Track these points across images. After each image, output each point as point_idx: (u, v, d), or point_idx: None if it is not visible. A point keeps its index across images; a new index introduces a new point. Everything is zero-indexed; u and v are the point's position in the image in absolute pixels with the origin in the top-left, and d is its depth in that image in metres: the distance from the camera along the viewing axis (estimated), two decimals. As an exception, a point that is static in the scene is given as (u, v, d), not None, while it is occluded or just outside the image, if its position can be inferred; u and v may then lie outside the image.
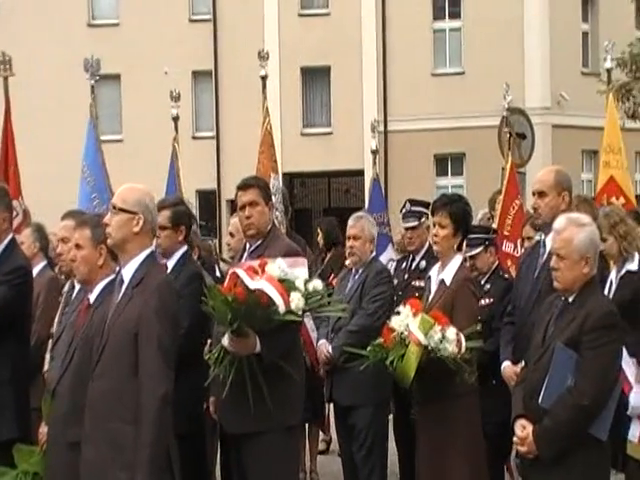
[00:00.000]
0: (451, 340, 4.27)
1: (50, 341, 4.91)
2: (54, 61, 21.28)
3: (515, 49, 20.57)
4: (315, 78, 22.22)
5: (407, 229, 6.33)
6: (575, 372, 3.62)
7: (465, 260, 5.23)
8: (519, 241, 7.13)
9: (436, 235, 4.80)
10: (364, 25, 21.46)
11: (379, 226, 6.94)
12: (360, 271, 5.68)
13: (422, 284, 5.68)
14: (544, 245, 4.69)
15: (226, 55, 21.85)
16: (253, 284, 4.02)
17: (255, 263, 4.19)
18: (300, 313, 4.13)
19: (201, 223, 9.43)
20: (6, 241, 4.88)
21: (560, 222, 3.85)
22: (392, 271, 6.35)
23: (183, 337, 3.84)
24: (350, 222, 5.76)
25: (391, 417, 6.22)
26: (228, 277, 4.23)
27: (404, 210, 6.42)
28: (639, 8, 22.10)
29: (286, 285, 4.09)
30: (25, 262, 5.02)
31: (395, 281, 6.02)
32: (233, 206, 5.69)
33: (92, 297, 4.00)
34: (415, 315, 4.35)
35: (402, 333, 4.31)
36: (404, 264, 6.39)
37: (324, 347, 5.59)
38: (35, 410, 4.70)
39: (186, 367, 4.01)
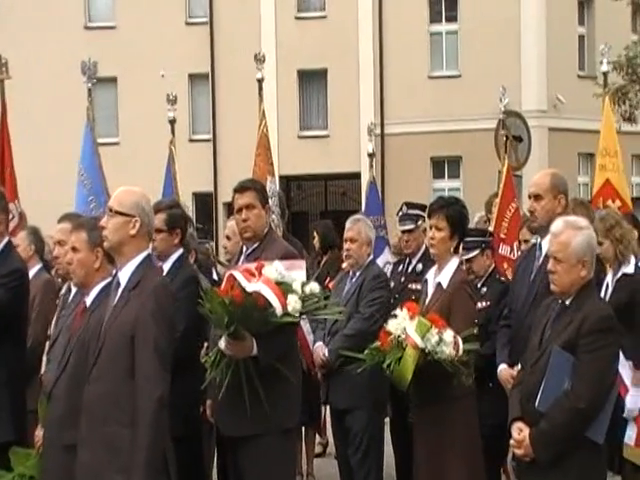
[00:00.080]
0: (448, 343, 4.27)
1: (47, 344, 4.90)
2: (51, 63, 21.28)
3: (512, 52, 20.60)
4: (312, 81, 22.23)
5: (404, 232, 6.33)
6: (572, 375, 3.63)
7: (462, 263, 5.23)
8: (515, 244, 7.13)
9: (433, 238, 4.80)
10: (361, 28, 21.49)
11: (376, 229, 6.94)
12: (357, 274, 5.68)
13: (419, 287, 5.68)
14: (540, 248, 4.69)
15: (223, 58, 21.86)
16: (250, 286, 4.02)
17: (252, 266, 4.19)
18: (297, 315, 4.14)
19: (198, 226, 9.42)
20: (2, 244, 4.88)
21: (557, 225, 3.85)
22: (389, 274, 6.35)
23: (179, 340, 3.84)
24: (347, 225, 5.76)
25: (388, 420, 6.23)
26: (225, 280, 4.23)
27: (400, 213, 6.43)
28: (635, 11, 22.15)
29: (283, 288, 4.09)
30: (21, 265, 5.02)
31: (392, 284, 6.03)
32: (230, 209, 5.70)
33: (88, 300, 4.00)
34: (412, 318, 4.35)
35: (399, 336, 4.31)
36: (401, 267, 6.40)
37: (320, 350, 5.59)
38: (31, 412, 4.70)
39: (182, 370, 4.01)
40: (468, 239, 5.45)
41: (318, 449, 7.70)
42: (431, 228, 4.84)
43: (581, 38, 22.02)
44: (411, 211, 6.37)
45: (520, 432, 3.73)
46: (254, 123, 7.81)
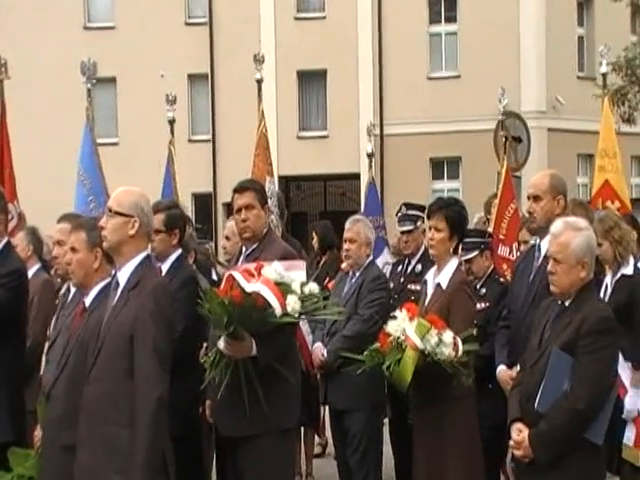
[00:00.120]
0: (448, 344, 4.27)
1: (46, 344, 4.90)
2: (50, 64, 21.27)
3: (511, 53, 20.61)
4: (311, 81, 22.23)
5: (403, 233, 6.34)
6: (571, 376, 3.63)
7: (461, 264, 5.23)
8: (515, 245, 7.14)
9: (432, 239, 4.80)
10: (360, 28, 21.49)
11: (375, 229, 6.94)
12: (357, 275, 5.68)
13: (418, 287, 5.68)
14: (539, 249, 4.69)
15: (222, 58, 21.86)
16: (249, 287, 4.02)
17: (251, 266, 4.19)
18: (296, 316, 4.14)
19: (197, 226, 9.42)
20: (1, 244, 4.88)
21: (557, 226, 3.85)
22: (388, 274, 6.36)
23: (177, 341, 3.84)
24: (347, 225, 5.76)
25: (387, 421, 6.23)
26: (224, 280, 4.24)
27: (400, 214, 6.43)
28: (635, 13, 22.16)
29: (282, 288, 4.09)
30: (21, 265, 5.02)
31: (391, 285, 6.03)
32: (229, 209, 5.70)
33: (88, 301, 4.00)
34: (411, 319, 4.34)
35: (399, 337, 4.31)
36: (400, 268, 6.40)
37: (319, 350, 5.59)
38: (30, 413, 4.70)
39: (181, 370, 4.01)
40: (467, 240, 5.45)
41: (317, 449, 7.71)
42: (430, 229, 4.84)
43: (580, 39, 22.04)
44: (410, 212, 6.38)
45: (519, 433, 3.74)
46: (253, 123, 7.81)
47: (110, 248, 3.70)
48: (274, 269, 4.14)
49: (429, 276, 4.90)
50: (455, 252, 4.94)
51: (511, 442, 3.80)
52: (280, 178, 19.61)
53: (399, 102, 21.03)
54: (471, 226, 6.63)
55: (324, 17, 21.88)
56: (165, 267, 4.77)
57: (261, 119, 7.67)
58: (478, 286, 5.74)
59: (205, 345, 4.86)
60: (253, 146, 7.68)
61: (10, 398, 4.76)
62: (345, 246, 5.71)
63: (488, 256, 5.96)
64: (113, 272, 3.82)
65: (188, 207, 15.95)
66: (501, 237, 7.39)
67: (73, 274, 4.09)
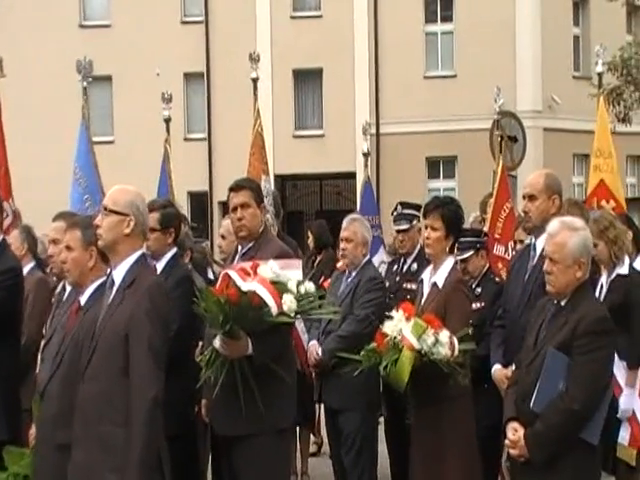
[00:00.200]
0: (444, 343, 4.27)
1: (42, 342, 4.90)
2: (46, 62, 21.24)
3: (507, 52, 20.63)
4: (307, 80, 22.23)
5: (398, 232, 6.34)
6: (567, 377, 3.63)
7: (457, 263, 5.23)
8: (510, 244, 7.14)
9: (428, 238, 4.79)
10: (356, 27, 21.49)
11: (371, 229, 6.94)
12: (353, 274, 5.68)
13: (413, 286, 5.69)
14: (534, 248, 4.70)
15: (218, 57, 21.85)
16: (245, 285, 4.02)
17: (247, 265, 4.19)
18: (292, 315, 4.13)
19: (193, 225, 9.41)
20: (-4, 243, 4.88)
21: (554, 226, 3.85)
22: (383, 273, 6.36)
23: (173, 339, 3.84)
24: (344, 224, 5.76)
25: (383, 420, 6.23)
26: (220, 279, 4.23)
27: (395, 213, 6.43)
28: (630, 12, 22.20)
29: (278, 287, 4.09)
30: (16, 263, 5.02)
31: (387, 283, 6.03)
32: (225, 208, 5.70)
33: (83, 299, 3.99)
34: (408, 319, 4.34)
35: (395, 338, 4.30)
36: (395, 267, 6.40)
37: (314, 349, 5.59)
38: (26, 411, 4.70)
39: (177, 369, 4.01)
40: (462, 240, 5.45)
41: (313, 448, 7.71)
42: (426, 228, 4.84)
43: (576, 39, 22.07)
44: (406, 211, 6.38)
45: (515, 432, 3.74)
46: (249, 122, 7.81)
47: (105, 247, 3.70)
48: (270, 268, 4.14)
49: (425, 275, 4.90)
50: (451, 251, 4.94)
51: (506, 441, 3.80)
52: (276, 177, 19.59)
53: (395, 101, 21.04)
54: (467, 225, 6.64)
55: (320, 16, 21.87)
56: (160, 266, 4.77)
57: (257, 118, 7.66)
58: (473, 285, 5.74)
59: (201, 344, 4.85)
60: (249, 145, 7.67)
61: (5, 397, 4.75)
62: (342, 245, 5.71)
63: (484, 255, 5.96)
64: (108, 271, 3.81)
65: (183, 206, 15.97)
66: (497, 236, 7.39)
67: (68, 272, 4.08)
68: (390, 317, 4.42)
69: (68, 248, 4.03)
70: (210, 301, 4.05)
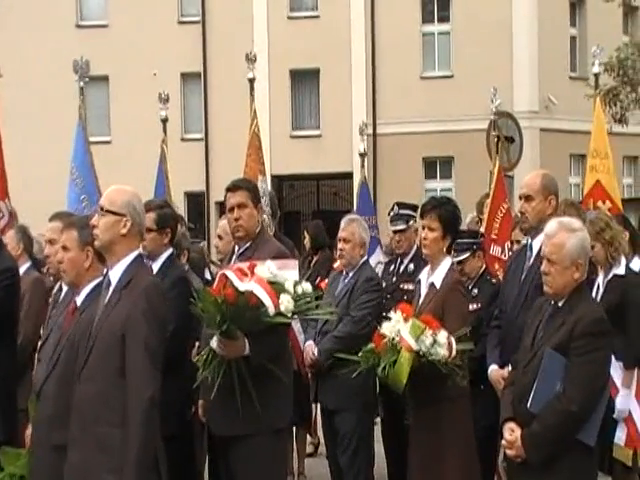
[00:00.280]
0: (442, 344, 4.27)
1: (39, 342, 4.89)
2: (43, 62, 21.23)
3: (504, 53, 20.64)
4: (304, 81, 22.22)
5: (395, 232, 6.35)
6: (564, 378, 3.63)
7: (454, 263, 5.23)
8: (507, 244, 7.15)
9: (425, 238, 4.79)
10: (353, 28, 21.50)
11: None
12: (350, 275, 5.68)
13: (410, 287, 5.69)
14: (531, 249, 4.70)
15: (215, 57, 21.84)
16: (243, 285, 4.02)
17: (244, 265, 4.19)
18: (289, 315, 4.14)
19: (190, 225, 9.41)
20: (-7, 243, 4.88)
21: (551, 227, 3.85)
22: (380, 274, 6.36)
23: (169, 340, 3.83)
24: (342, 225, 5.76)
25: (380, 421, 6.24)
26: (217, 279, 4.23)
27: (392, 213, 6.44)
28: (627, 13, 22.23)
29: (276, 287, 4.09)
30: (13, 263, 5.02)
31: (383, 284, 6.03)
32: (222, 208, 5.69)
33: (79, 300, 3.98)
34: (406, 320, 4.34)
35: (393, 339, 4.30)
36: (392, 267, 6.41)
37: (310, 349, 5.59)
38: (22, 411, 4.69)
39: (173, 369, 4.00)
40: (459, 241, 5.45)
41: (309, 449, 7.71)
42: (424, 228, 4.84)
43: (573, 39, 22.09)
44: (403, 211, 6.39)
45: (512, 433, 3.74)
46: (247, 122, 7.79)
47: (102, 247, 3.70)
48: (267, 268, 4.14)
49: (423, 276, 4.90)
50: (448, 251, 4.94)
51: (503, 442, 3.80)
52: (273, 177, 19.61)
53: (392, 101, 21.05)
54: (464, 226, 6.64)
55: (317, 16, 21.88)
56: (156, 266, 4.76)
57: (253, 118, 7.65)
58: (470, 287, 5.74)
59: (197, 344, 4.85)
60: (246, 145, 7.67)
61: (1, 397, 4.74)
62: (339, 245, 5.71)
63: (480, 256, 5.97)
64: (105, 271, 3.81)
65: (180, 206, 15.95)
66: (493, 237, 7.40)
67: (64, 273, 4.08)
68: (388, 318, 4.42)
69: (64, 248, 4.02)
70: (207, 301, 4.05)
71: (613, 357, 4.44)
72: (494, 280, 5.94)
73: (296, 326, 5.67)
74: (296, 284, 4.18)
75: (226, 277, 4.09)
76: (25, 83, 20.75)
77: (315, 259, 8.05)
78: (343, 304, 5.52)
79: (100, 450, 3.44)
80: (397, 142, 20.83)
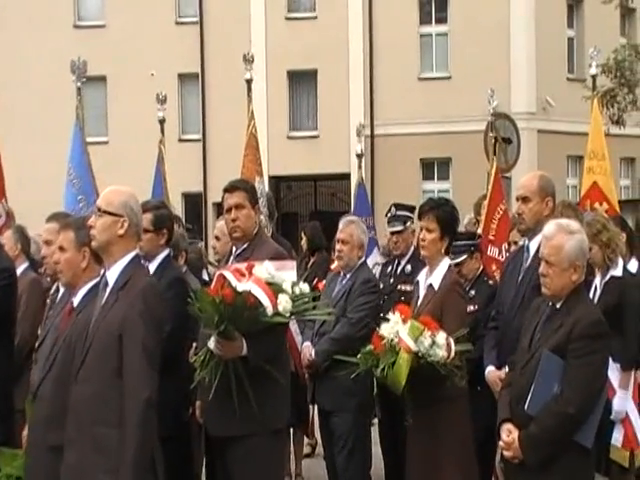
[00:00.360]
0: (441, 345, 4.27)
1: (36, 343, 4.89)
2: (40, 62, 21.19)
3: (501, 55, 20.65)
4: (302, 81, 22.22)
5: (392, 233, 6.35)
6: (561, 380, 3.63)
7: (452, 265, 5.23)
8: (504, 246, 7.15)
9: (423, 239, 4.79)
10: (351, 29, 21.49)
11: (365, 230, 6.95)
12: (348, 276, 5.68)
13: (408, 288, 5.69)
14: (528, 250, 4.70)
15: (213, 58, 21.83)
16: (241, 286, 4.02)
17: (242, 266, 4.19)
18: (287, 315, 4.13)
19: (188, 226, 9.40)
20: (-10, 243, 4.87)
21: (550, 229, 3.85)
22: (377, 275, 6.36)
23: (166, 340, 3.83)
24: (340, 226, 5.75)
25: (377, 422, 6.23)
26: (215, 279, 4.23)
27: (389, 214, 6.44)
28: (624, 15, 22.26)
29: (274, 288, 4.09)
30: (10, 264, 5.02)
31: (381, 285, 6.03)
32: (219, 209, 5.69)
33: (76, 300, 3.97)
34: (405, 321, 4.34)
35: (392, 340, 4.30)
36: (390, 268, 6.41)
37: (307, 350, 5.59)
38: (19, 412, 4.68)
39: (170, 370, 4.00)
40: (456, 243, 5.44)
41: (307, 450, 7.71)
42: (421, 229, 4.84)
43: (570, 41, 22.12)
44: (400, 212, 6.39)
45: (509, 434, 3.74)
46: (244, 123, 7.79)
47: (99, 247, 3.69)
48: (265, 269, 4.14)
49: (421, 277, 4.90)
50: (447, 252, 4.94)
51: (501, 443, 3.80)
52: (270, 178, 19.60)
53: (389, 103, 21.05)
54: (462, 227, 6.64)
55: (315, 17, 21.87)
56: (152, 267, 4.75)
57: (251, 119, 7.65)
58: (467, 288, 5.74)
59: (195, 345, 4.84)
60: (243, 146, 7.67)
61: (-2, 398, 4.74)
62: (337, 247, 5.70)
63: (478, 258, 5.96)
64: (102, 272, 3.80)
65: (177, 207, 15.95)
66: (490, 238, 7.40)
67: (61, 273, 4.07)
68: (387, 319, 4.41)
69: (61, 249, 4.02)
70: (205, 301, 4.05)
71: (610, 358, 4.45)
72: (491, 281, 5.94)
73: (293, 327, 5.66)
74: (294, 285, 4.18)
75: (224, 277, 4.10)
76: (22, 83, 20.73)
77: (312, 260, 8.04)
78: (340, 305, 5.52)
79: (97, 451, 3.44)
80: (394, 143, 20.83)
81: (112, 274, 3.63)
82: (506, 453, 3.77)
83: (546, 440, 3.63)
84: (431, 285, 4.75)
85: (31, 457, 3.99)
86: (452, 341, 4.32)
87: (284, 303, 4.06)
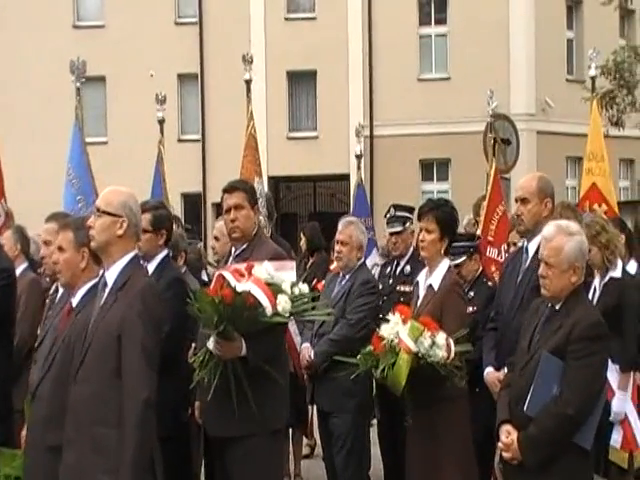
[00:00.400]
0: (441, 345, 4.27)
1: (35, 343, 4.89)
2: (39, 62, 21.18)
3: (501, 56, 20.66)
4: (301, 82, 22.22)
5: (391, 234, 6.35)
6: (561, 381, 3.64)
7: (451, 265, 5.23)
8: (503, 247, 7.16)
9: (423, 240, 4.80)
10: (350, 29, 21.50)
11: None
12: (347, 277, 5.68)
13: (407, 289, 5.69)
14: (527, 251, 4.70)
15: (212, 58, 21.83)
16: (240, 286, 4.02)
17: (241, 266, 4.19)
18: (287, 316, 4.13)
19: (187, 227, 9.41)
20: (-11, 243, 4.87)
21: (549, 230, 3.85)
22: (377, 276, 6.36)
23: (164, 341, 3.83)
24: (339, 227, 5.75)
25: (376, 423, 6.23)
26: (214, 280, 4.23)
27: (388, 215, 6.44)
28: (623, 16, 22.27)
29: (273, 288, 4.09)
30: (9, 264, 5.02)
31: (380, 286, 6.03)
32: (219, 209, 5.69)
33: (75, 301, 3.97)
34: (405, 322, 4.34)
35: (392, 341, 4.30)
36: (389, 269, 6.41)
37: (306, 351, 5.59)
38: (18, 412, 4.68)
39: (169, 370, 4.00)
40: (455, 244, 5.44)
41: (306, 450, 7.71)
42: (421, 230, 4.84)
43: (569, 42, 22.13)
44: (399, 213, 6.39)
45: (508, 435, 3.74)
46: (244, 124, 7.79)
47: (98, 248, 3.69)
48: (265, 269, 4.14)
49: (421, 278, 4.90)
50: (446, 253, 4.94)
51: (499, 444, 3.80)
52: (270, 179, 19.60)
53: (389, 103, 21.05)
54: (461, 228, 6.64)
55: (314, 18, 21.87)
56: (151, 267, 4.75)
57: (250, 120, 7.65)
58: (466, 289, 5.73)
59: (194, 345, 4.84)
60: (243, 146, 7.66)
61: (-3, 398, 4.74)
62: (337, 248, 5.70)
63: (477, 259, 5.97)
64: (101, 272, 3.80)
65: (176, 208, 15.95)
66: (489, 239, 7.40)
67: (60, 274, 4.07)
68: (387, 320, 4.41)
69: (60, 249, 4.01)
70: (204, 301, 4.04)
71: (610, 360, 4.45)
72: (490, 283, 5.94)
73: (292, 328, 5.66)
74: (293, 285, 4.18)
75: (223, 278, 4.10)
76: (22, 83, 20.72)
77: (311, 261, 8.05)
78: (339, 306, 5.52)
79: (95, 451, 3.44)
80: (394, 144, 20.84)
81: (111, 274, 3.63)
82: (505, 454, 3.77)
83: (545, 441, 3.63)
84: (431, 286, 4.75)
85: (30, 457, 3.99)
86: (452, 341, 4.32)
87: (283, 303, 4.06)
